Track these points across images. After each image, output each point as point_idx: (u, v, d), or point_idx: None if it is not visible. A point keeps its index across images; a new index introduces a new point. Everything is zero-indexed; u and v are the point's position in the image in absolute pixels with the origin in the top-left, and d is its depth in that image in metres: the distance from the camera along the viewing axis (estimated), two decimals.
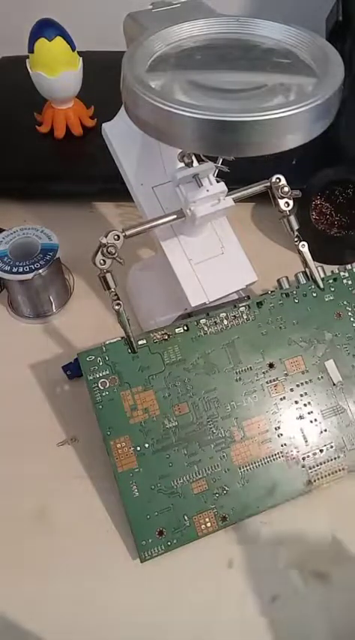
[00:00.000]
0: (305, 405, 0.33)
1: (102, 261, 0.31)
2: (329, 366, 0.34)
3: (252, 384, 0.33)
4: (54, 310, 0.42)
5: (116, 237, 0.31)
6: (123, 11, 0.33)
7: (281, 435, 0.32)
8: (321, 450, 0.32)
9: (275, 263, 0.38)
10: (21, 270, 0.38)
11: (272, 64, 0.27)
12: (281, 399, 0.33)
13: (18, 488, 0.33)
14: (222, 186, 0.32)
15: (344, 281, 0.35)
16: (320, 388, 0.33)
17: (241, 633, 0.29)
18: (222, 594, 0.30)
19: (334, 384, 0.33)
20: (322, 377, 0.34)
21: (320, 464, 0.32)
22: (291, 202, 0.34)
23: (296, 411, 0.33)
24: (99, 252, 0.31)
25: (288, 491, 0.32)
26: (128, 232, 0.31)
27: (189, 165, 0.32)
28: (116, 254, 0.31)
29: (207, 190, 0.31)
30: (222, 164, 0.33)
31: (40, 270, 0.38)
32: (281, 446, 0.32)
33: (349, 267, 0.36)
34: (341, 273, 0.35)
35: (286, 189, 0.33)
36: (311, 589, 0.30)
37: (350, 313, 0.35)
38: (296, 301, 0.34)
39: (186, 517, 0.30)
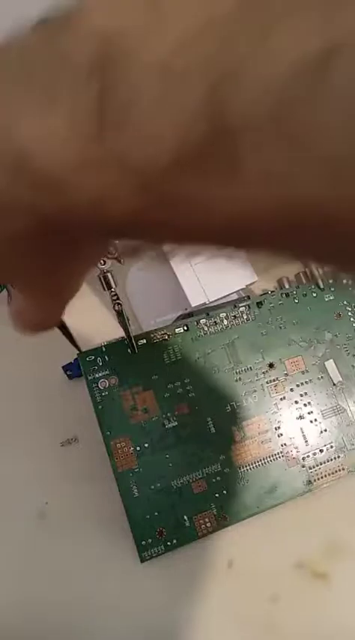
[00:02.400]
0: (305, 405, 0.33)
1: (102, 261, 0.31)
2: (329, 366, 0.34)
3: (252, 384, 0.33)
4: None
5: None
6: None
7: (281, 435, 0.32)
8: (321, 450, 0.32)
9: (275, 263, 0.38)
10: None
11: None
12: (281, 399, 0.33)
13: (18, 488, 0.33)
14: None
15: (344, 281, 0.35)
16: (320, 388, 0.33)
17: (241, 633, 0.29)
18: (222, 594, 0.30)
19: (334, 384, 0.33)
20: (322, 377, 0.34)
21: (320, 464, 0.32)
22: None
23: (296, 411, 0.33)
24: None
25: (288, 491, 0.32)
26: None
27: None
28: (116, 254, 0.31)
29: None
30: None
31: None
32: (281, 446, 0.32)
33: None
34: (342, 273, 0.35)
35: None
36: (311, 589, 0.30)
37: (350, 313, 0.35)
38: (296, 301, 0.34)
39: (186, 517, 0.30)
